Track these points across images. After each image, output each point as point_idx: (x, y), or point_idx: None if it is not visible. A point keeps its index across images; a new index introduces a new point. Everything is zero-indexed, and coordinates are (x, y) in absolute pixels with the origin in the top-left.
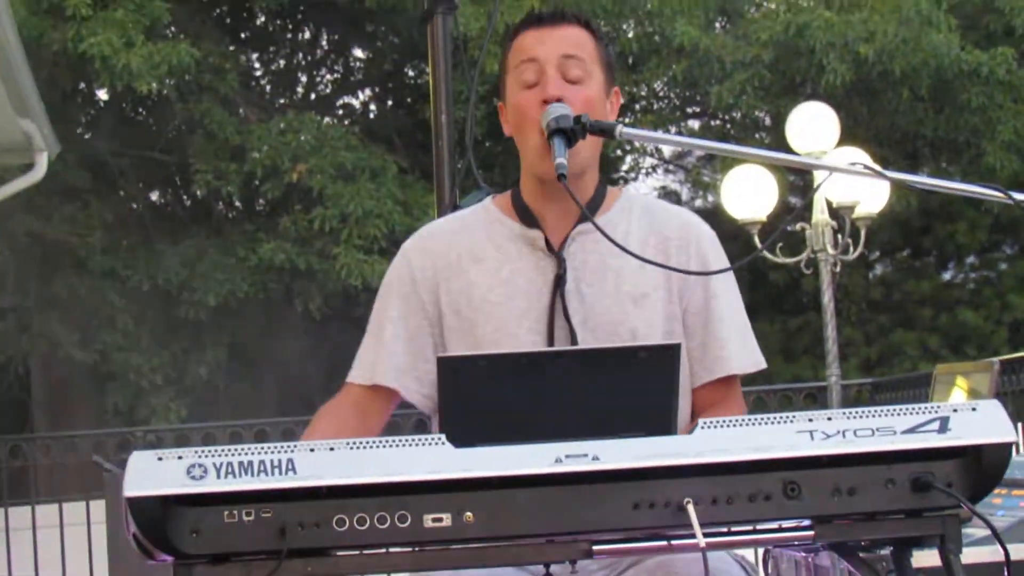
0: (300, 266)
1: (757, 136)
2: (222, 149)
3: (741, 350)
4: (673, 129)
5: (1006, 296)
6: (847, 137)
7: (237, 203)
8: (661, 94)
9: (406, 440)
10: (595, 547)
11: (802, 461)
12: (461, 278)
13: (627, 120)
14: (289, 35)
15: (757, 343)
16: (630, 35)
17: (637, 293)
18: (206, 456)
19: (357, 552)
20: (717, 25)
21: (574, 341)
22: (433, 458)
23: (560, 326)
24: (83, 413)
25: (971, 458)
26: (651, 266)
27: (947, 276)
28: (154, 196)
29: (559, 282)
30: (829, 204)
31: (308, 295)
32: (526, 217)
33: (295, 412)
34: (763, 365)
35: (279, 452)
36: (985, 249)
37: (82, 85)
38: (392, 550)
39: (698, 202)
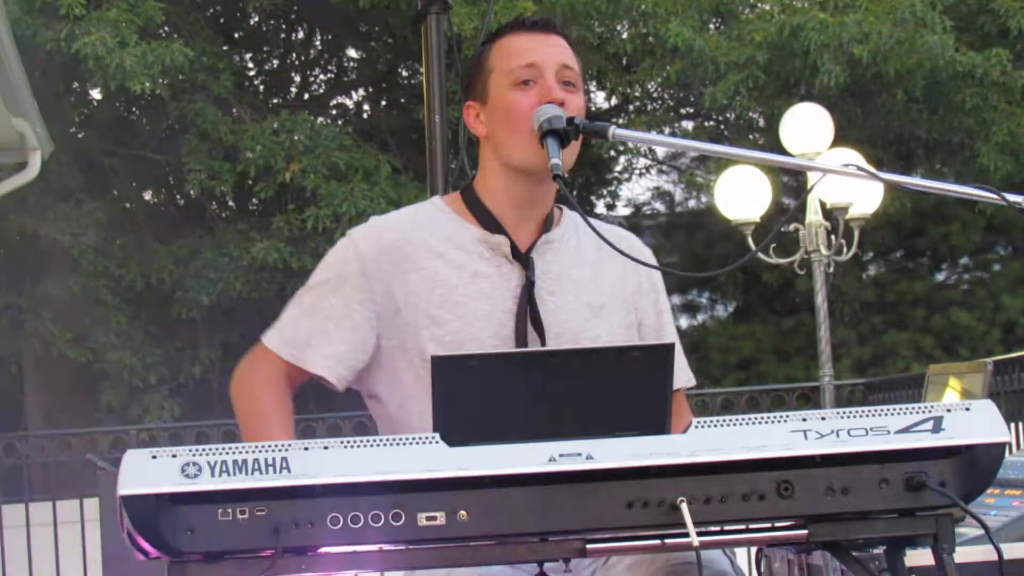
0: (293, 266)
1: (751, 137)
2: (215, 148)
3: (684, 366)
4: (667, 130)
5: (999, 297)
6: (841, 138)
7: (230, 202)
8: (655, 95)
9: (400, 439)
10: (589, 546)
11: (796, 460)
12: (422, 272)
13: (621, 121)
14: (283, 35)
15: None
16: (624, 36)
17: (596, 303)
18: (200, 455)
19: (351, 550)
20: (711, 26)
21: (542, 345)
22: (427, 457)
23: (532, 333)
24: (77, 412)
25: (964, 458)
26: (606, 277)
27: (940, 277)
28: (147, 195)
29: (530, 289)
30: (823, 205)
31: None
32: (488, 222)
33: None
34: (692, 383)
35: (273, 451)
36: (978, 250)
37: (75, 84)
38: (386, 548)
39: (692, 203)
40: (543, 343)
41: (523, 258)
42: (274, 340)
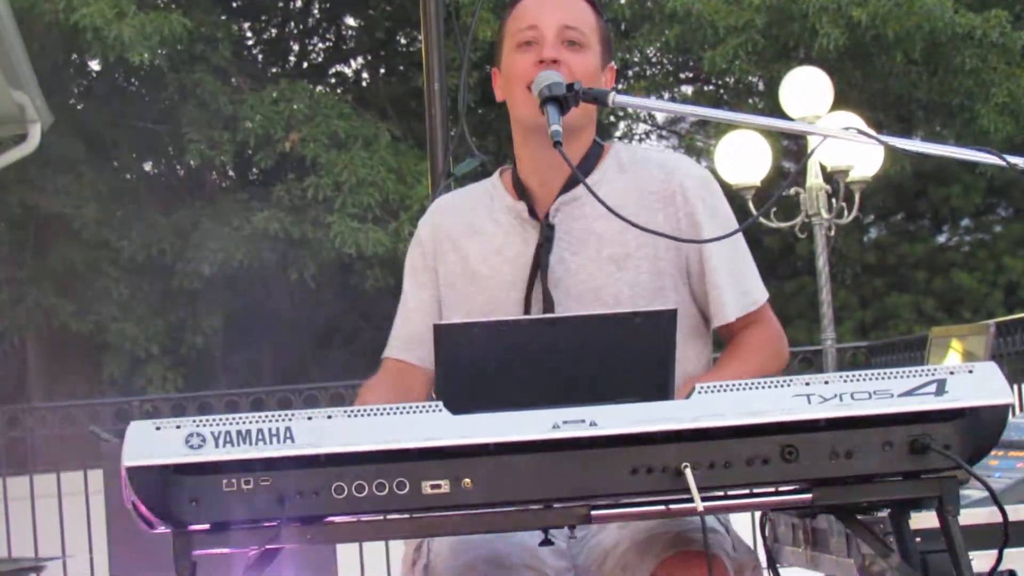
0: (294, 235)
1: (750, 101)
2: (215, 119)
3: (733, 297)
4: (666, 95)
5: (1001, 258)
6: (840, 101)
7: (230, 172)
8: (654, 60)
9: (404, 408)
10: (593, 512)
11: (799, 425)
12: (457, 252)
13: (620, 86)
14: (281, 4)
15: (757, 278)
16: (622, 1)
17: (620, 255)
18: (204, 425)
19: (355, 519)
20: None
21: (549, 307)
22: (431, 425)
23: (537, 293)
24: (79, 383)
25: (968, 420)
26: (643, 222)
27: (941, 239)
28: (147, 166)
29: (540, 250)
30: (823, 168)
31: (302, 263)
32: (518, 188)
33: (291, 380)
34: (755, 305)
35: (277, 421)
36: (979, 212)
37: (74, 56)
38: (390, 517)
39: None
40: (548, 304)
41: (545, 223)
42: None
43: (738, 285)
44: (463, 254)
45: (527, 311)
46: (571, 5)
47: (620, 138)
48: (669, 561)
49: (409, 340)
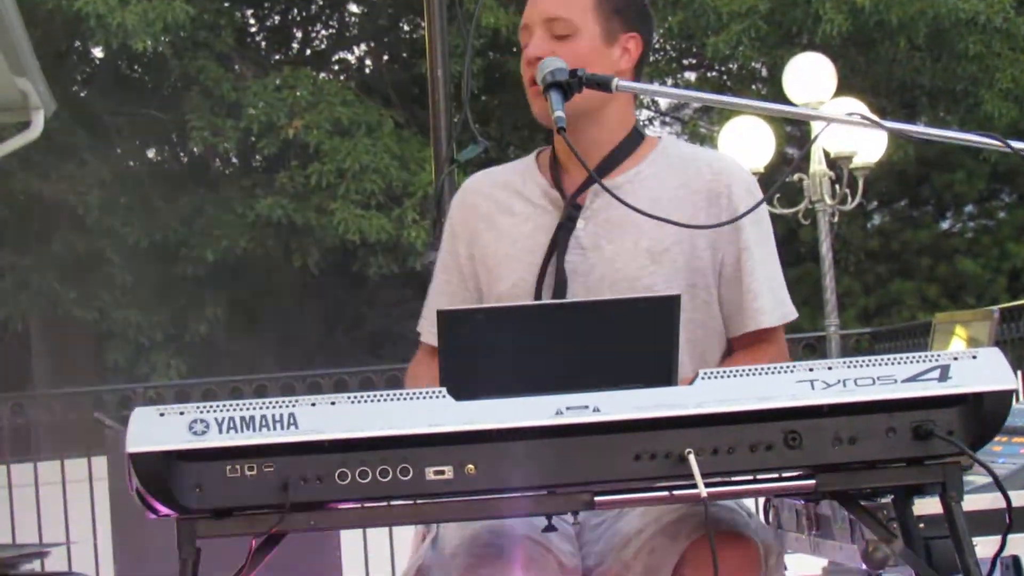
0: (297, 222)
1: (754, 87)
2: (218, 106)
3: (771, 304)
4: (670, 81)
5: (1004, 244)
6: (844, 87)
7: (234, 159)
8: (657, 46)
9: (407, 394)
10: (597, 498)
11: (803, 411)
12: (492, 231)
13: None
14: None
15: (787, 293)
16: None
17: (657, 248)
18: (208, 412)
19: (359, 505)
20: None
21: (560, 286)
22: (434, 411)
23: (550, 274)
24: (83, 370)
25: (972, 406)
26: (682, 218)
27: (945, 225)
28: (151, 153)
29: (560, 229)
30: (827, 154)
31: (306, 250)
32: (554, 173)
33: (295, 367)
34: (792, 316)
35: (281, 407)
36: (983, 198)
37: (77, 43)
38: (394, 503)
39: None
40: (561, 286)
41: (572, 206)
42: (419, 325)
43: (775, 294)
44: (496, 234)
45: (539, 289)
46: None
47: None
48: (700, 542)
49: (434, 323)
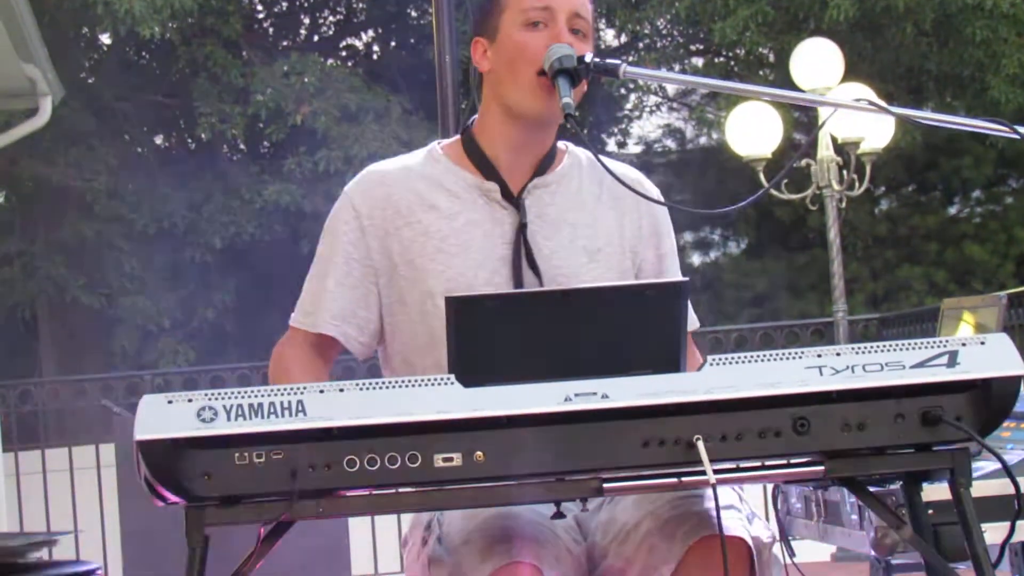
0: (305, 208)
1: (761, 73)
2: (226, 92)
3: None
4: (677, 67)
5: (1012, 230)
6: (851, 73)
7: (242, 146)
8: (664, 32)
9: (416, 381)
10: (605, 484)
11: (811, 397)
12: (414, 227)
13: (630, 58)
14: None
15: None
16: None
17: (592, 247)
18: (216, 399)
19: (368, 492)
20: None
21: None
22: (443, 398)
23: (528, 274)
24: (91, 357)
25: (980, 392)
26: (604, 222)
27: (953, 210)
28: (159, 140)
29: (522, 231)
30: (834, 140)
31: (314, 236)
32: (483, 166)
33: None
34: (696, 325)
35: (289, 394)
36: (991, 183)
37: (85, 30)
38: (402, 490)
39: (703, 139)
40: (541, 285)
41: (515, 201)
42: (295, 315)
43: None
44: (421, 228)
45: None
46: None
47: (631, 110)
48: (698, 546)
49: (337, 317)
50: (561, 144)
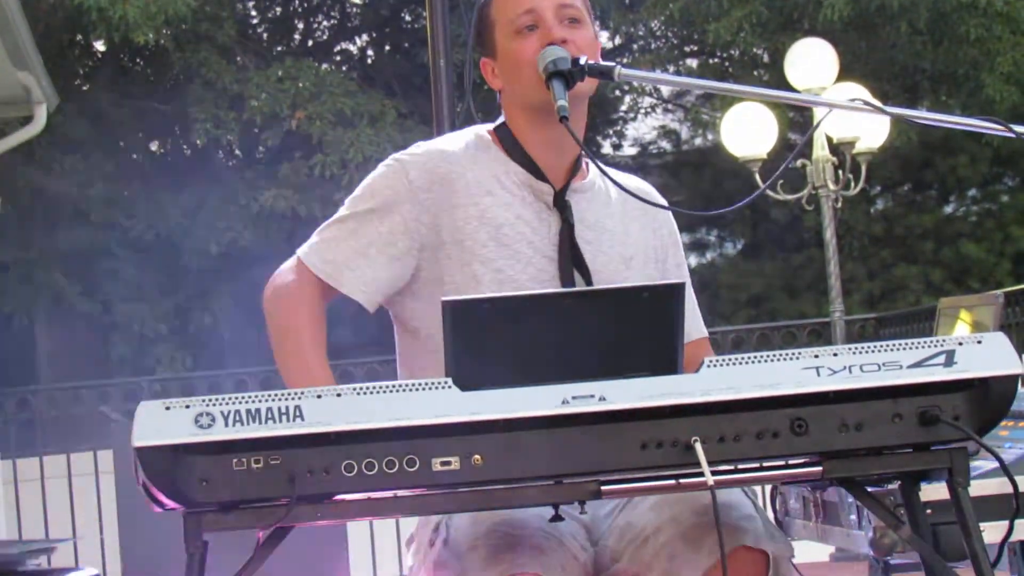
0: (301, 213)
1: (756, 73)
2: (221, 97)
3: (693, 319)
4: (671, 68)
5: (1008, 228)
6: (846, 72)
7: (237, 151)
8: (658, 33)
9: (413, 384)
10: (604, 487)
11: (809, 397)
12: (470, 208)
13: (625, 60)
14: None
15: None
16: None
17: (627, 255)
18: (214, 405)
19: (366, 497)
20: None
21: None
22: (440, 402)
23: (576, 276)
24: (88, 364)
25: (978, 391)
26: (633, 230)
27: (949, 209)
28: (154, 146)
29: (571, 232)
30: (829, 140)
31: None
32: (529, 166)
33: None
34: (705, 334)
35: (286, 399)
36: (986, 181)
37: (79, 37)
38: (401, 494)
39: (698, 141)
40: (590, 285)
41: (561, 203)
42: (312, 258)
43: (694, 311)
44: (477, 212)
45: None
46: None
47: (626, 111)
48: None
49: (368, 284)
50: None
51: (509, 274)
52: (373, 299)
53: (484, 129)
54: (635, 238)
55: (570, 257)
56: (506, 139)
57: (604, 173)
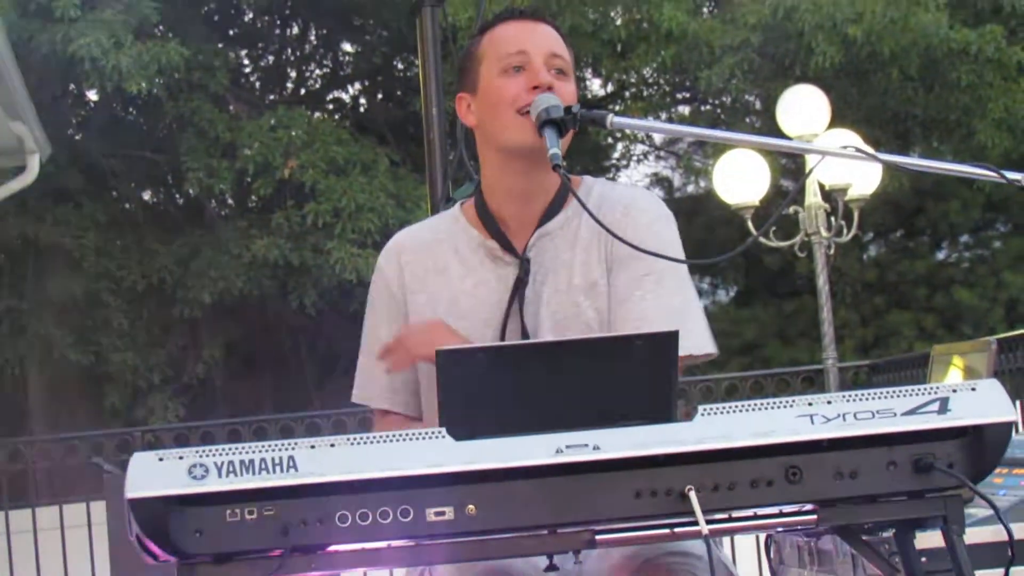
0: (294, 262)
1: (748, 120)
2: (213, 146)
3: (695, 334)
4: (664, 115)
5: (1001, 274)
6: (838, 119)
7: (230, 200)
8: (650, 80)
9: (406, 435)
10: (598, 536)
11: (803, 445)
12: (425, 292)
13: (617, 107)
14: (277, 30)
15: (701, 327)
16: (618, 22)
17: (587, 283)
18: (207, 455)
19: (360, 548)
20: (705, 9)
21: (525, 339)
22: (434, 451)
23: (512, 327)
24: (81, 414)
25: (972, 438)
26: (593, 254)
27: (941, 256)
28: (147, 195)
29: (518, 285)
30: (822, 187)
31: (303, 290)
32: (488, 223)
33: (293, 408)
34: (703, 351)
35: (280, 450)
36: (979, 228)
37: (72, 87)
38: (395, 545)
39: (690, 188)
40: (524, 336)
41: (519, 257)
42: (356, 393)
43: (672, 323)
44: (431, 294)
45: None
46: (553, 34)
47: (619, 159)
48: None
49: (391, 388)
50: (576, 178)
51: (473, 342)
52: (405, 401)
53: (461, 204)
54: (597, 261)
55: (508, 312)
56: (477, 200)
57: (590, 213)
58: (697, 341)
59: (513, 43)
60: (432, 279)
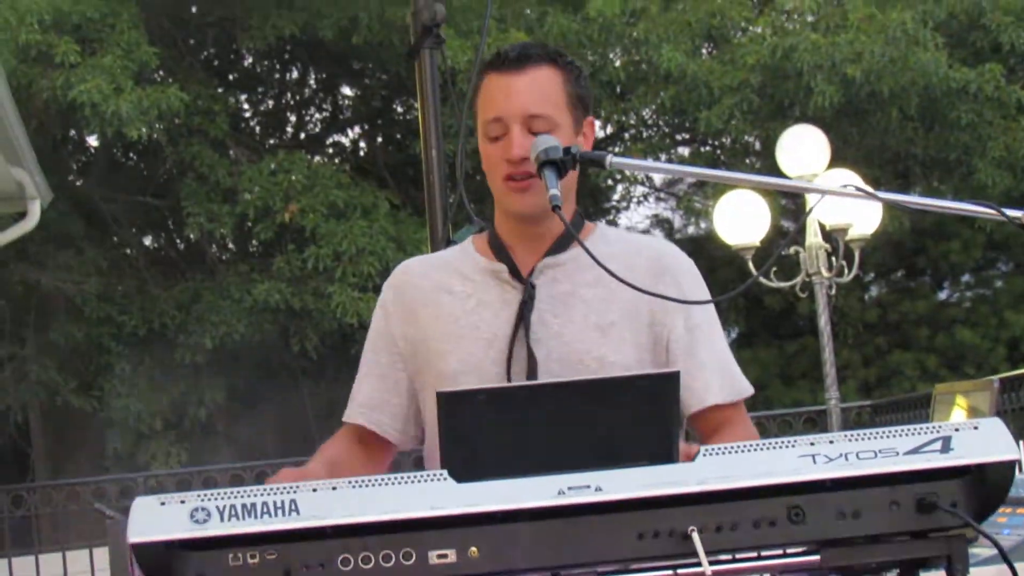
0: (295, 306)
1: (747, 160)
2: (214, 191)
3: (719, 382)
4: (663, 156)
5: (1003, 313)
6: (838, 159)
7: (230, 245)
8: (650, 121)
9: (408, 477)
10: None
11: (806, 486)
12: (429, 309)
13: (617, 149)
14: (277, 75)
15: (740, 370)
16: (617, 64)
17: (604, 322)
18: (209, 500)
19: None
20: (704, 51)
21: (532, 366)
22: (436, 494)
23: (519, 353)
24: (84, 460)
25: (975, 477)
26: (621, 295)
27: (943, 295)
28: (147, 241)
29: (523, 307)
30: (822, 227)
31: (304, 334)
32: (498, 251)
33: (295, 452)
34: (746, 392)
35: (282, 493)
36: (980, 267)
37: (72, 132)
38: None
39: (691, 229)
40: (531, 362)
41: (524, 282)
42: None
43: (725, 370)
44: (436, 313)
45: (508, 370)
46: (535, 85)
47: (618, 201)
48: None
49: (364, 405)
50: (591, 223)
51: (471, 361)
52: (376, 419)
53: (475, 236)
54: (621, 303)
55: (514, 335)
56: (490, 230)
57: (588, 253)
58: (746, 384)
59: (491, 108)
60: (436, 296)
